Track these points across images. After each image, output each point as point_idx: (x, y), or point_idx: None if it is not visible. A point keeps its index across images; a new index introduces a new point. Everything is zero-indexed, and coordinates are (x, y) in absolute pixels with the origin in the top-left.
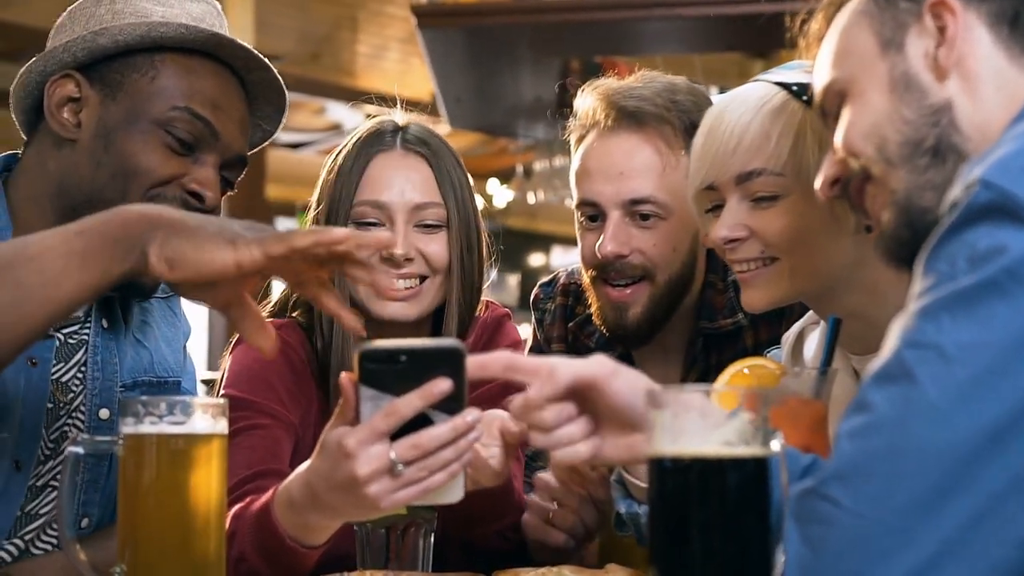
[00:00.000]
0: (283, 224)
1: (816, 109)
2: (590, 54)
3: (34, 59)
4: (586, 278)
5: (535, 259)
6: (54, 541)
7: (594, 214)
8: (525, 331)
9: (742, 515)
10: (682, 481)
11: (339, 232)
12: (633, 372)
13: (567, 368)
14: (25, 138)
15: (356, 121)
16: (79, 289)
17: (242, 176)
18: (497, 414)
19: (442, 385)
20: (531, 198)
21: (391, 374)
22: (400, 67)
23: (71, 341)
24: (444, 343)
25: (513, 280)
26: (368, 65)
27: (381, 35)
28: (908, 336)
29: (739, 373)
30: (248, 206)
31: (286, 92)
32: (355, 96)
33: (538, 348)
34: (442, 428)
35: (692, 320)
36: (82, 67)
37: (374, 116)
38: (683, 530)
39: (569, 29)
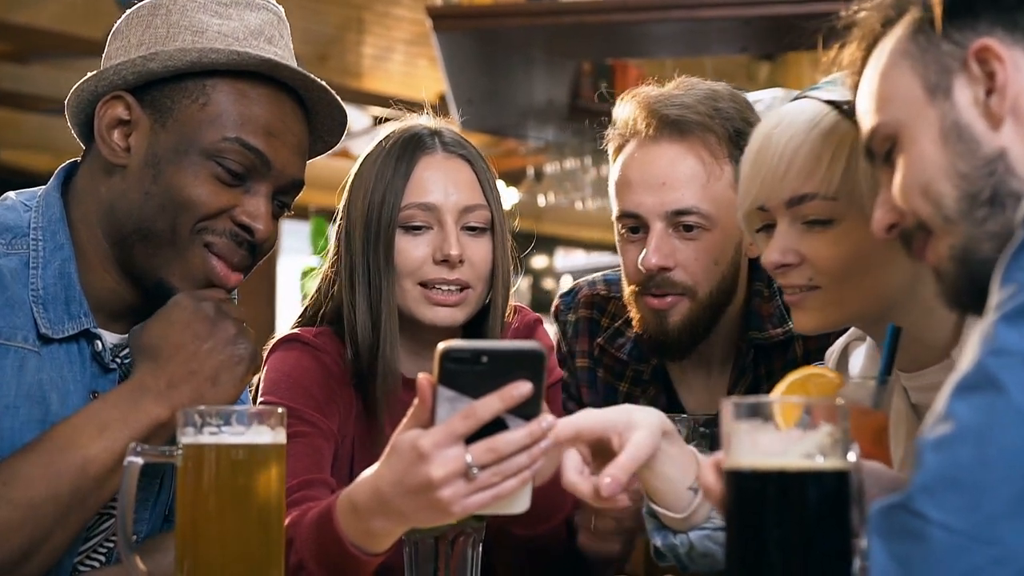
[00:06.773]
0: (293, 229)
1: (862, 150)
2: (603, 56)
3: (86, 78)
4: (627, 292)
5: (538, 261)
6: (101, 560)
7: (636, 226)
8: None
9: (821, 529)
10: (761, 494)
11: None
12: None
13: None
14: (83, 147)
15: (362, 123)
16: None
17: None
18: None
19: (522, 388)
20: (541, 200)
21: (471, 375)
22: (405, 69)
23: (127, 362)
24: (526, 345)
25: (524, 283)
26: (374, 67)
27: (387, 37)
28: (990, 344)
29: (796, 383)
30: None
31: (346, 110)
32: (361, 98)
33: (562, 359)
34: (519, 433)
35: (738, 330)
36: (133, 88)
37: (381, 119)
38: (760, 544)
39: (584, 31)
